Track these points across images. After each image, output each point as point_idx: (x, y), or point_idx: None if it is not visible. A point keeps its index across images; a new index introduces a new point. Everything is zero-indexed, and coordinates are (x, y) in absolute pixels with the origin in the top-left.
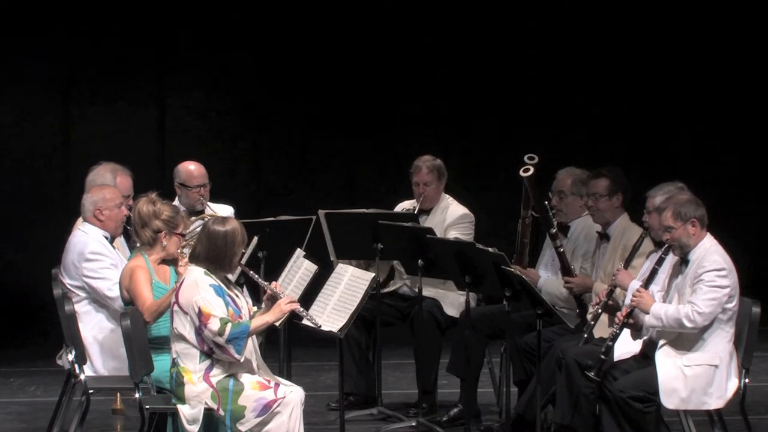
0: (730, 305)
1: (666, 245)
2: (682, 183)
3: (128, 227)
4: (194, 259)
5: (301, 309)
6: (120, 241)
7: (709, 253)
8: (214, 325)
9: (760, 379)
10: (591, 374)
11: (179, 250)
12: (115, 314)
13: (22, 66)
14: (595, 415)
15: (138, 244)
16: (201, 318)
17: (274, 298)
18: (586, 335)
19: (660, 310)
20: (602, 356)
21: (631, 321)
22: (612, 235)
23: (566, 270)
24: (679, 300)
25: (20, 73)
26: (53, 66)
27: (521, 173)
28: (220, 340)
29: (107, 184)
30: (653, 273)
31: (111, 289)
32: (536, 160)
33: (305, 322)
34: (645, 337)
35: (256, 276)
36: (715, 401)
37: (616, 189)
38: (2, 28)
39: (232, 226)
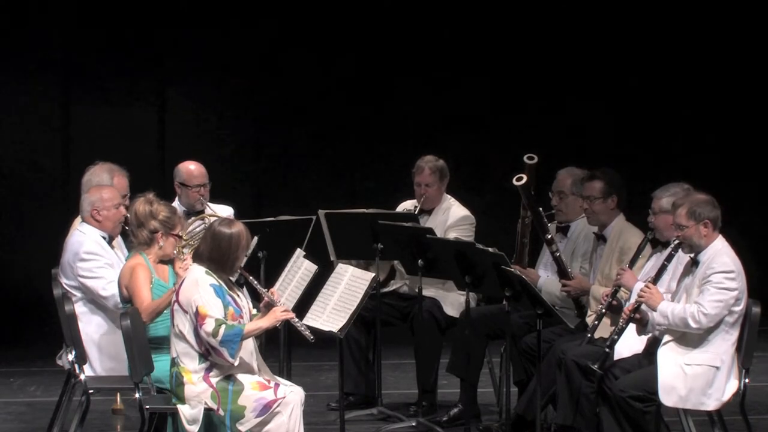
0: (737, 308)
1: (677, 242)
2: (688, 185)
3: (126, 227)
4: (197, 258)
5: (296, 320)
6: (118, 240)
7: (719, 255)
8: (209, 326)
9: (760, 379)
10: (595, 367)
11: (179, 250)
12: (114, 314)
13: (22, 65)
14: (596, 414)
15: (136, 244)
16: (197, 318)
17: (270, 305)
18: (589, 335)
19: (667, 308)
20: (606, 349)
21: (637, 316)
22: (609, 237)
23: (563, 274)
24: (686, 300)
25: (20, 73)
26: (53, 65)
27: (514, 182)
28: (214, 342)
29: (105, 184)
30: (662, 268)
31: (105, 288)
32: (535, 160)
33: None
34: (650, 335)
35: (255, 282)
36: (713, 403)
37: (611, 191)
38: (2, 26)
39: (238, 230)
